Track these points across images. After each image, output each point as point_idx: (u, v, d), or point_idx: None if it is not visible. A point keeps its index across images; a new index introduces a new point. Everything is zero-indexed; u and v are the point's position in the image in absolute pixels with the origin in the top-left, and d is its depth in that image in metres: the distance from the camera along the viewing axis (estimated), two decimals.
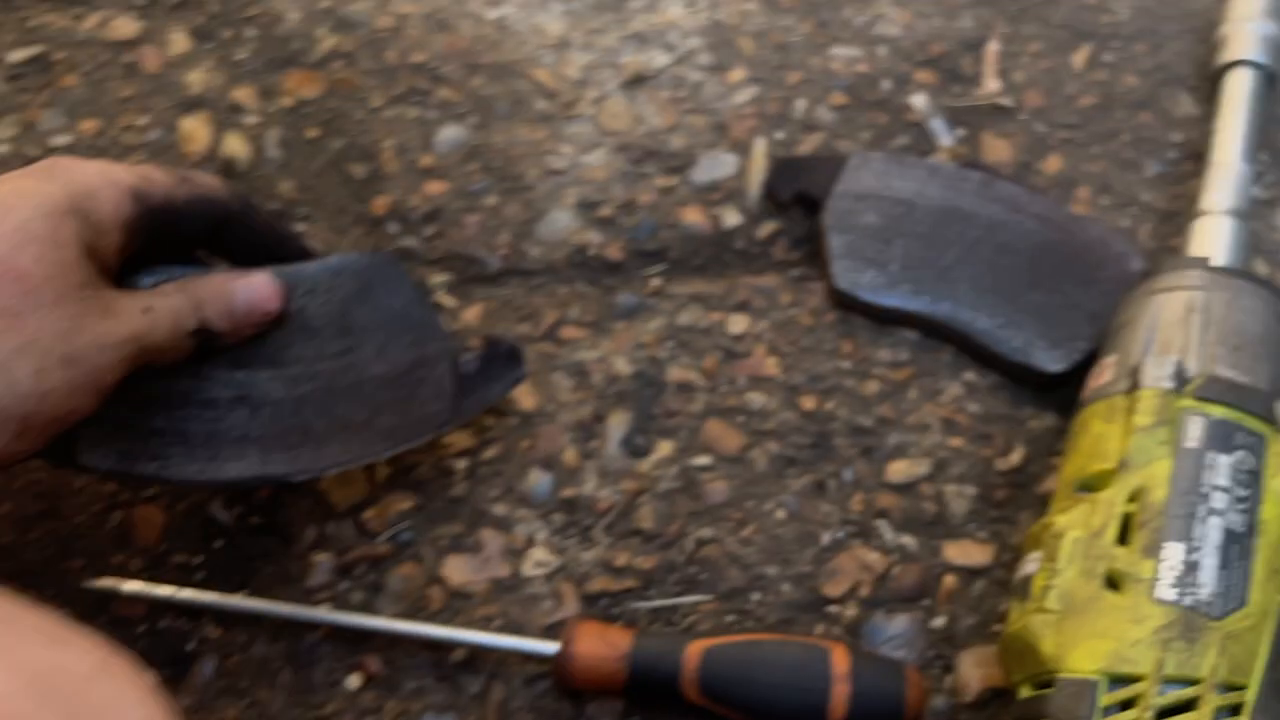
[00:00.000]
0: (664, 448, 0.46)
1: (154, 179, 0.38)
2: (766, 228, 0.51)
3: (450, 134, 0.53)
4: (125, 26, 0.57)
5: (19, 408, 0.33)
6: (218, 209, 0.40)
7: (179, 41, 0.56)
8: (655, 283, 0.50)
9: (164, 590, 0.42)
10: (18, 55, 0.56)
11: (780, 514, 0.45)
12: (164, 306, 0.37)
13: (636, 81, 0.55)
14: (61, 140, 0.53)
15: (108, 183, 0.36)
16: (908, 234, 0.48)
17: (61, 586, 0.43)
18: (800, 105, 0.54)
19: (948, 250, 0.48)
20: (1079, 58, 0.56)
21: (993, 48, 0.56)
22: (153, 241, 0.38)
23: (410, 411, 0.43)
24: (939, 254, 0.48)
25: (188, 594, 0.42)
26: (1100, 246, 0.48)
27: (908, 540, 0.44)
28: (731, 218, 0.51)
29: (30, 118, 0.54)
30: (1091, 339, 0.46)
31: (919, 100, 0.54)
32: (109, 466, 0.38)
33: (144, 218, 0.37)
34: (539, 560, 0.44)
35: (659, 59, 0.56)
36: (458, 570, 0.43)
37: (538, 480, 0.45)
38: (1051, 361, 0.46)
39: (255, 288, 0.39)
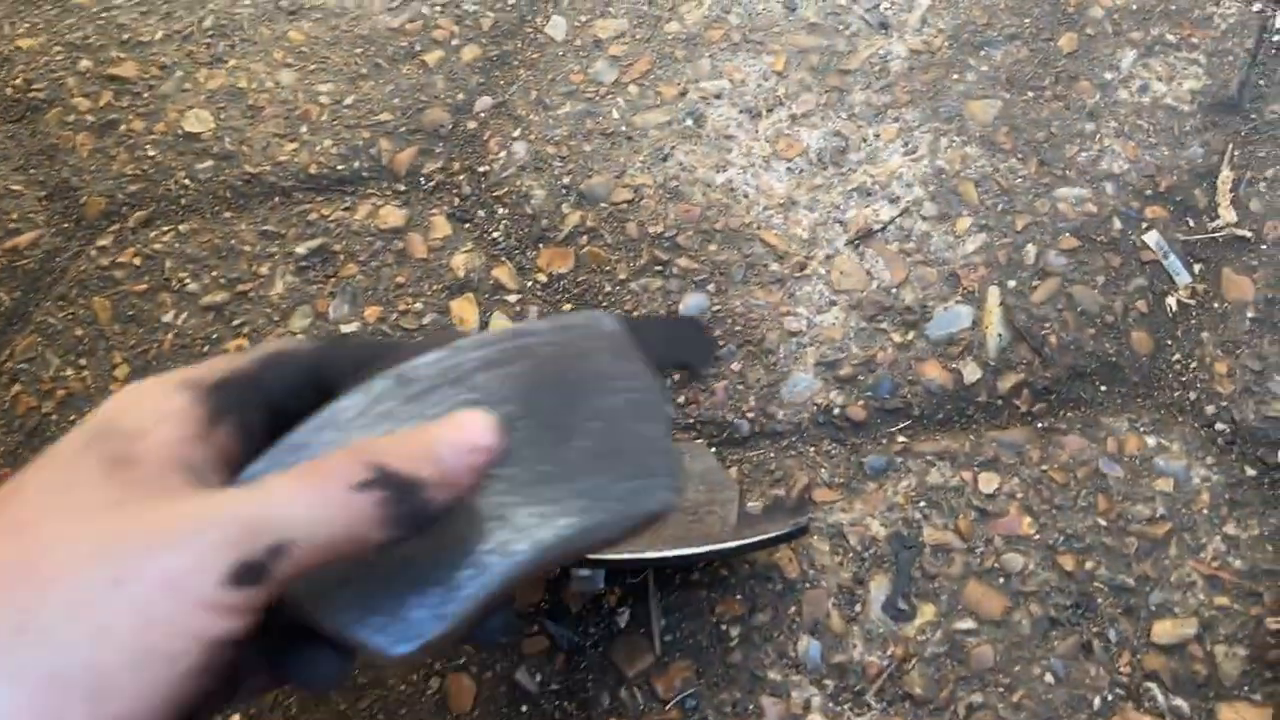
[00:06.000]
0: (927, 611, 0.48)
1: (212, 364, 0.35)
2: (1008, 380, 0.53)
3: (693, 301, 0.57)
4: (391, 214, 0.64)
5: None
6: (296, 360, 0.35)
7: (440, 225, 0.63)
8: (901, 440, 0.52)
9: None
10: (303, 248, 0.63)
11: (1048, 678, 0.46)
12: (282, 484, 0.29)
13: (864, 236, 0.58)
14: (350, 328, 0.60)
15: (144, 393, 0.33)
16: None
17: None
18: (1030, 251, 0.56)
19: None
20: None
21: (1226, 175, 0.56)
22: (257, 419, 0.34)
23: (694, 530, 0.47)
24: None
25: None
26: None
27: (1180, 703, 0.45)
28: (971, 372, 0.53)
29: (320, 308, 0.61)
30: None
31: (1152, 238, 0.55)
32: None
33: (211, 396, 0.33)
34: None
35: (884, 211, 0.58)
36: None
37: (807, 646, 0.48)
38: None
39: (461, 423, 0.31)
